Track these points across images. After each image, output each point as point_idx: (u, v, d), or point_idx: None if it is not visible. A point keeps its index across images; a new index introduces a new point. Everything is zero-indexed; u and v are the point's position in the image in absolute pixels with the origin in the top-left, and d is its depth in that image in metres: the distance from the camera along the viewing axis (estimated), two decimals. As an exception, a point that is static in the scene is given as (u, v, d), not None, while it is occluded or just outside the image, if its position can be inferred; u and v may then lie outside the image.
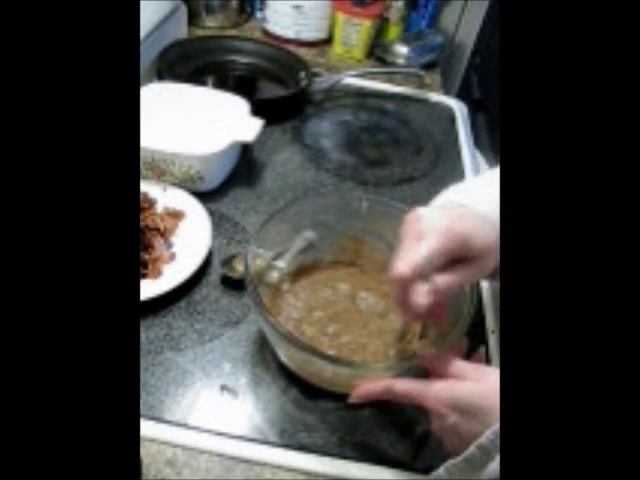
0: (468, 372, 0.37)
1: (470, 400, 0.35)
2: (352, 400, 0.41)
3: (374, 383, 0.40)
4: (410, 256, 0.37)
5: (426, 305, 0.37)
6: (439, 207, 0.42)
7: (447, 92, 1.12)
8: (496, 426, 0.33)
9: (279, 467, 0.45)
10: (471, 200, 0.41)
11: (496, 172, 0.43)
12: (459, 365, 0.38)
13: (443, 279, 0.37)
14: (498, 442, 0.33)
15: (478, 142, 0.95)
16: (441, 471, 0.37)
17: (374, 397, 0.40)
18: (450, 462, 0.36)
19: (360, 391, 0.41)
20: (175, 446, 0.45)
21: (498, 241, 0.39)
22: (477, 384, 0.36)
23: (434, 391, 0.37)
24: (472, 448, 0.34)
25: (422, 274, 0.37)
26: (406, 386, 0.38)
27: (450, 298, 0.44)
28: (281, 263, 0.53)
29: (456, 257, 0.38)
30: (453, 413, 0.36)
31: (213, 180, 0.69)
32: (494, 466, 0.33)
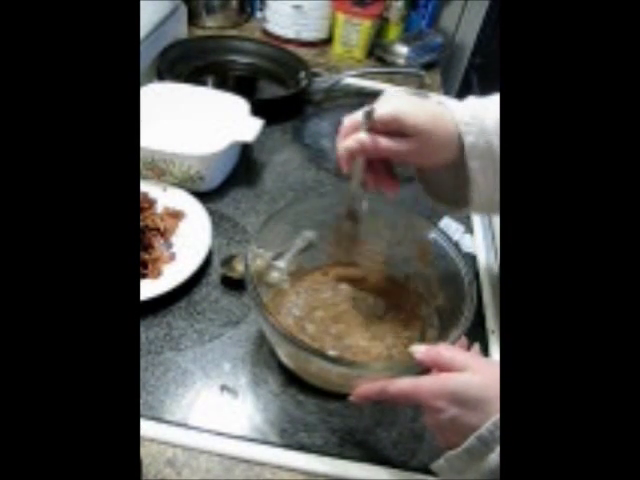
0: (463, 362, 0.37)
1: (469, 391, 0.35)
2: (352, 400, 0.41)
3: (371, 384, 0.40)
4: (351, 115, 0.45)
5: (349, 147, 0.43)
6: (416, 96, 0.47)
7: (447, 92, 1.13)
8: (496, 417, 0.33)
9: (279, 467, 0.45)
10: (456, 102, 0.47)
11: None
12: (451, 354, 0.37)
13: (372, 136, 0.43)
14: (498, 433, 0.33)
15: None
16: (441, 462, 0.37)
17: (372, 398, 0.40)
18: (450, 453, 0.36)
19: (359, 391, 0.40)
20: (175, 446, 0.45)
21: (439, 127, 0.43)
22: (473, 375, 0.36)
23: (427, 386, 0.37)
24: (472, 439, 0.34)
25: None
26: (399, 386, 0.38)
27: (450, 297, 0.44)
28: (281, 263, 0.53)
29: (393, 130, 0.43)
30: (452, 406, 0.35)
31: (213, 180, 0.69)
32: (493, 457, 0.33)
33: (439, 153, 0.45)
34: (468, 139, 0.44)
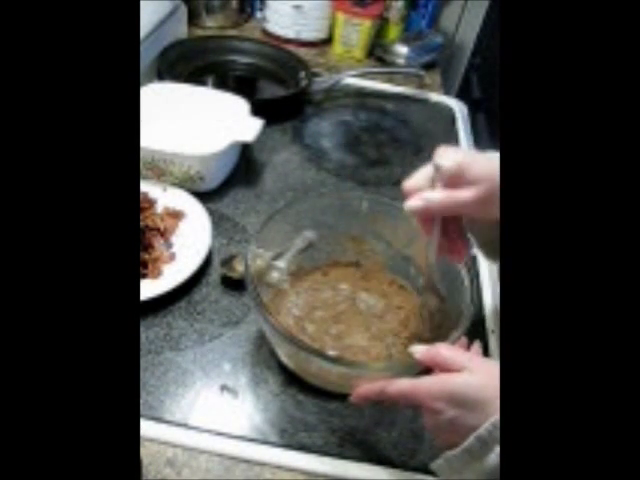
0: (462, 361, 0.37)
1: (467, 392, 0.35)
2: (352, 400, 0.41)
3: (371, 385, 0.40)
4: (413, 176, 0.43)
5: (413, 208, 0.41)
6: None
7: (447, 92, 1.12)
8: (495, 417, 0.33)
9: (279, 467, 0.45)
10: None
11: None
12: (451, 354, 0.37)
13: (434, 192, 0.41)
14: (497, 434, 0.33)
15: (478, 142, 0.94)
16: (440, 461, 0.37)
17: (372, 398, 0.40)
18: (449, 453, 0.36)
19: (359, 392, 0.40)
20: (175, 446, 0.45)
21: (495, 172, 0.40)
22: (471, 375, 0.36)
23: (427, 387, 0.37)
24: (471, 439, 0.34)
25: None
26: (398, 387, 0.38)
27: (450, 297, 0.43)
28: (281, 263, 0.53)
29: (456, 182, 0.40)
30: (451, 407, 0.35)
31: (213, 180, 0.69)
32: (492, 457, 0.33)
33: (490, 190, 0.41)
34: None
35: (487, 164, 0.40)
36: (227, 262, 0.59)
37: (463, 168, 0.40)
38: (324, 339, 0.51)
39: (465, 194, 0.40)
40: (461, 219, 0.44)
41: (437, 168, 0.40)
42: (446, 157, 0.41)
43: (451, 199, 0.40)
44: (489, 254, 0.50)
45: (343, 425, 0.48)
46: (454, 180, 0.40)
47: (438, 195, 0.41)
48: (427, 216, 0.43)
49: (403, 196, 0.43)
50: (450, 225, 0.43)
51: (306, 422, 0.48)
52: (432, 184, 0.41)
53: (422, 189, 0.41)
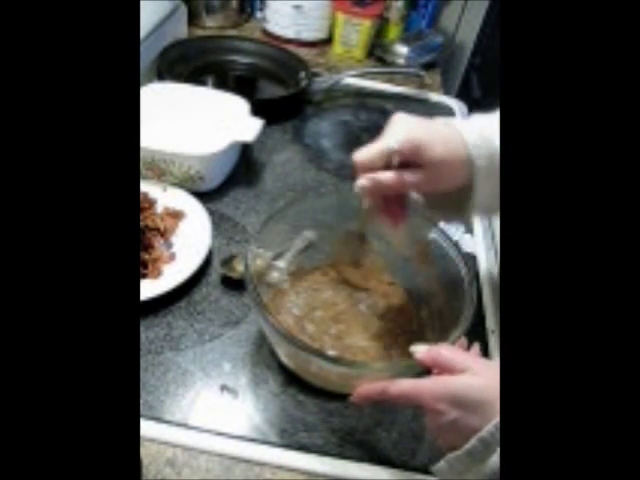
0: (463, 362, 0.37)
1: (470, 394, 0.35)
2: (352, 400, 0.41)
3: (372, 385, 0.40)
4: (367, 149, 0.43)
5: (363, 186, 0.43)
6: (423, 118, 0.46)
7: (447, 92, 1.12)
8: (497, 419, 0.33)
9: (279, 467, 0.45)
10: (464, 122, 0.46)
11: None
12: (451, 355, 0.37)
13: (386, 174, 0.42)
14: (499, 435, 0.33)
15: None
16: (442, 464, 0.37)
17: (373, 398, 0.40)
18: (451, 455, 0.36)
19: (360, 392, 0.40)
20: (175, 446, 0.45)
21: (452, 156, 0.43)
22: (473, 377, 0.36)
23: (429, 388, 0.37)
24: (474, 441, 0.34)
25: (376, 166, 0.43)
26: (400, 387, 0.38)
27: (450, 297, 0.43)
28: (281, 263, 0.53)
29: (409, 161, 0.42)
30: (453, 409, 0.35)
31: (213, 180, 0.69)
32: (495, 459, 0.33)
33: (452, 180, 0.45)
34: (478, 163, 0.43)
35: (441, 149, 0.42)
36: (227, 262, 0.59)
37: (421, 149, 0.42)
38: (324, 339, 0.51)
39: (415, 178, 0.42)
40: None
41: (391, 151, 0.42)
42: (397, 131, 0.42)
43: (401, 182, 0.42)
44: (436, 213, 0.52)
45: (343, 425, 0.48)
46: (408, 159, 0.42)
47: (389, 177, 0.42)
48: (376, 193, 0.44)
49: (353, 168, 0.44)
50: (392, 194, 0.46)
51: (306, 422, 0.48)
52: (384, 160, 0.42)
53: (374, 165, 0.43)
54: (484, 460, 0.34)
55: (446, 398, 0.36)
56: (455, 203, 0.48)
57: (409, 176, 0.42)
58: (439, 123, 0.46)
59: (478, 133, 0.44)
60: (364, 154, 0.43)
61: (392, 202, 0.46)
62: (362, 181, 0.43)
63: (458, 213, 0.49)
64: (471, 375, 0.36)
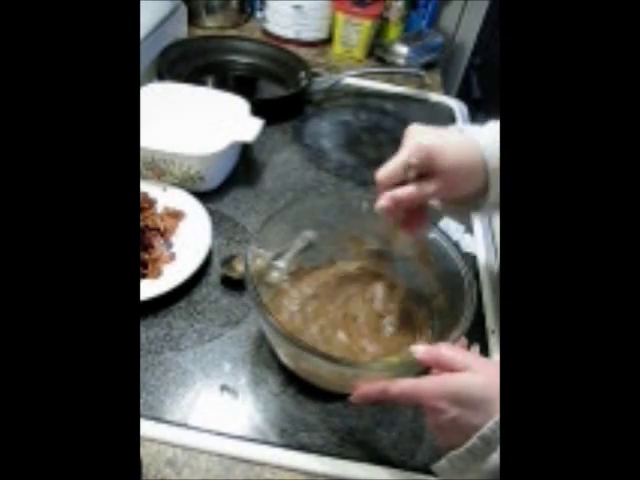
0: (464, 361, 0.37)
1: (470, 392, 0.35)
2: (352, 400, 0.41)
3: (372, 385, 0.40)
4: (386, 167, 0.45)
5: (382, 207, 0.44)
6: (436, 127, 0.47)
7: (447, 92, 1.12)
8: (498, 417, 0.33)
9: (279, 467, 0.45)
10: (479, 127, 0.48)
11: None
12: (452, 354, 0.37)
13: (403, 189, 0.44)
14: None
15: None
16: (443, 462, 0.37)
17: (373, 398, 0.40)
18: (452, 453, 0.36)
19: (360, 392, 0.40)
20: (175, 446, 0.45)
21: (466, 160, 0.44)
22: (474, 375, 0.36)
23: (429, 387, 0.37)
24: (474, 439, 0.34)
25: (396, 181, 0.44)
26: (401, 387, 0.38)
27: (450, 297, 0.43)
28: (281, 263, 0.53)
29: (424, 171, 0.44)
30: (454, 407, 0.35)
31: (213, 180, 0.69)
32: (495, 457, 0.33)
33: (468, 183, 0.46)
34: (492, 162, 0.45)
35: (453, 154, 0.44)
36: (227, 262, 0.59)
37: (433, 156, 0.43)
38: (324, 339, 0.51)
39: (431, 187, 0.44)
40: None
41: (408, 166, 0.43)
42: (412, 144, 0.44)
43: (419, 193, 0.44)
44: (454, 216, 0.55)
45: (343, 425, 0.48)
46: (425, 170, 0.44)
47: (406, 192, 0.44)
48: (396, 211, 0.45)
49: (377, 186, 0.45)
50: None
51: (306, 422, 0.48)
52: (404, 173, 0.44)
53: (395, 178, 0.44)
54: (485, 458, 0.34)
55: (447, 396, 0.36)
56: (471, 201, 0.49)
57: (426, 186, 0.44)
58: (452, 130, 0.47)
59: (491, 135, 0.45)
60: (384, 172, 0.44)
61: (413, 214, 0.47)
62: (382, 202, 0.44)
63: (473, 210, 0.50)
64: (471, 373, 0.36)
